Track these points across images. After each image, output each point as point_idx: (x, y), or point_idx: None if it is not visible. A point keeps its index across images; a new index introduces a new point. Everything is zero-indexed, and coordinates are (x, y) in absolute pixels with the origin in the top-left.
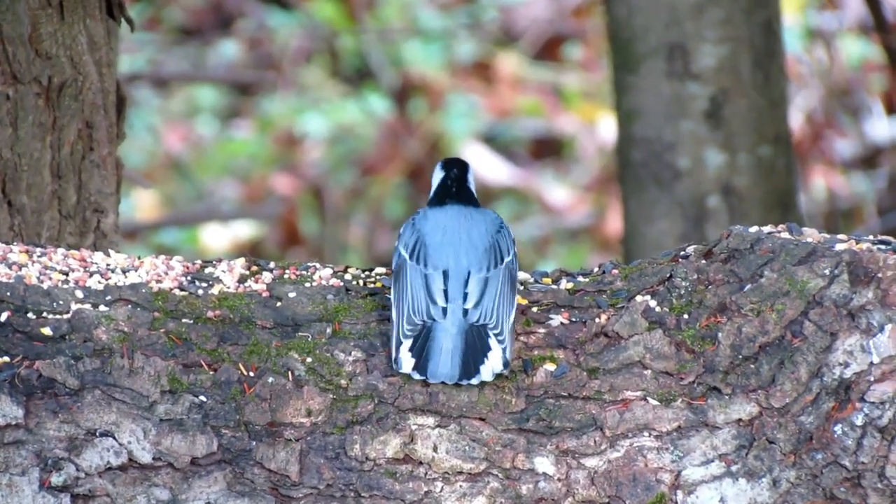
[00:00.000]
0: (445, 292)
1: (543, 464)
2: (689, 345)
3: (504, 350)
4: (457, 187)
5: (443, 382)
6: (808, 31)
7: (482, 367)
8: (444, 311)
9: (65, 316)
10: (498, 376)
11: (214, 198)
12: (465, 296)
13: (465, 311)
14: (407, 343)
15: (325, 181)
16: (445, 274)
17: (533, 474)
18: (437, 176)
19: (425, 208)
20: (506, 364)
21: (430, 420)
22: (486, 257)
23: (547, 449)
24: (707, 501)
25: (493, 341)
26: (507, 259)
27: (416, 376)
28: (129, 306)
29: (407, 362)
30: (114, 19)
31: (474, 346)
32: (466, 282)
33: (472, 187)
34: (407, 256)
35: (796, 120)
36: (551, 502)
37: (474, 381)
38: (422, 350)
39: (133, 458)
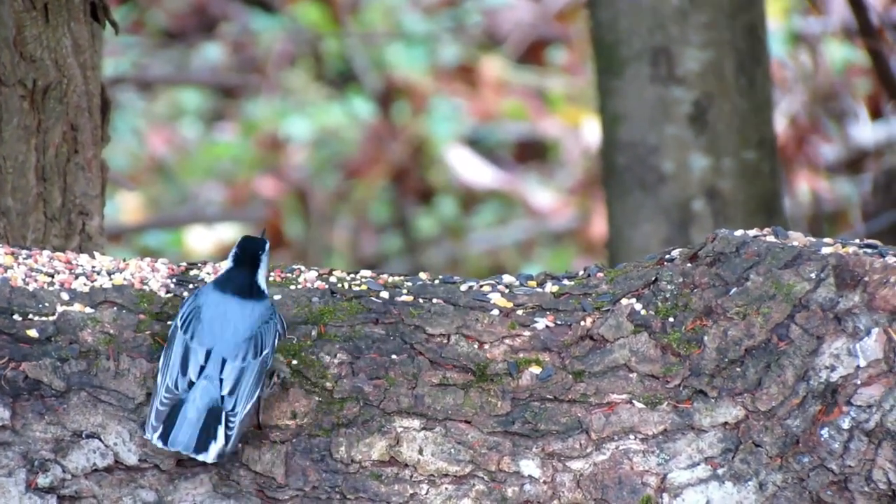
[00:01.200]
0: (202, 368)
1: (529, 466)
2: (675, 348)
3: (228, 438)
4: (242, 276)
5: (178, 451)
6: (792, 35)
7: (211, 446)
8: (192, 384)
9: (50, 318)
10: (234, 454)
11: (199, 200)
12: (221, 381)
13: (222, 398)
14: (162, 412)
15: (310, 184)
16: (209, 353)
17: (518, 477)
18: (231, 253)
19: (210, 285)
20: (220, 455)
21: (416, 423)
22: (245, 346)
23: (532, 452)
24: None
25: (221, 429)
26: (265, 352)
27: (159, 444)
28: (115, 308)
29: (153, 430)
30: (98, 22)
31: (212, 425)
32: (223, 366)
33: (262, 272)
34: (180, 326)
35: (781, 124)
36: None
37: (205, 458)
38: (171, 420)
39: (119, 460)
